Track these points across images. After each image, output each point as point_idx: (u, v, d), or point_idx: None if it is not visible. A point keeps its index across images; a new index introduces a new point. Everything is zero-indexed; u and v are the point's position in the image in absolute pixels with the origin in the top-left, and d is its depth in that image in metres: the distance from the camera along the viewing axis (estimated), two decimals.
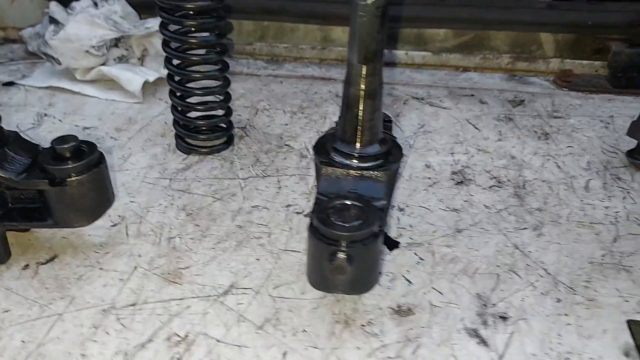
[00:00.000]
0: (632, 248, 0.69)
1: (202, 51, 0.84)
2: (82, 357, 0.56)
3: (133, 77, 1.03)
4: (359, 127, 0.59)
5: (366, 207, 0.54)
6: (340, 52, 1.23)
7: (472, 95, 1.06)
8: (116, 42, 1.07)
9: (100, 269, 0.66)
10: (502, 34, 1.19)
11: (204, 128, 0.88)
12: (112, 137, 0.93)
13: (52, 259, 0.67)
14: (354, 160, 0.59)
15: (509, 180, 0.82)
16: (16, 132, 0.65)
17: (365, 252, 0.53)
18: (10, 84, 1.11)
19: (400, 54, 1.21)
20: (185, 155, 0.88)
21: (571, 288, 0.63)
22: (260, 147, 0.91)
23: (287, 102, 1.04)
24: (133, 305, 0.61)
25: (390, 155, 0.62)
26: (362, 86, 0.57)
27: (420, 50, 1.21)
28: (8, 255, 0.66)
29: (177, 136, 0.89)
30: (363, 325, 0.59)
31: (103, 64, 1.07)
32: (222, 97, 0.88)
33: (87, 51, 1.03)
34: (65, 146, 0.61)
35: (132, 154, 0.88)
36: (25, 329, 0.58)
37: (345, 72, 0.59)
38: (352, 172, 0.58)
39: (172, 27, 0.81)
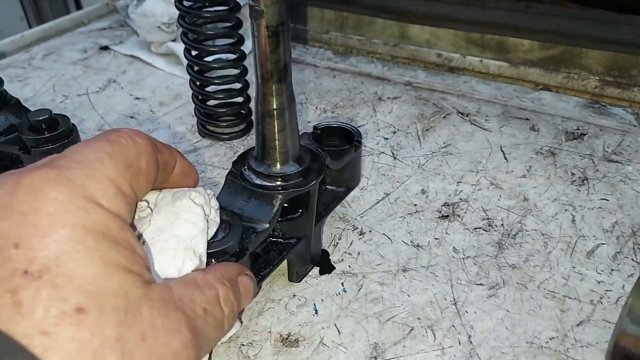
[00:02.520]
0: (595, 338, 0.57)
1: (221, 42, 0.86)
2: None
3: None
4: (262, 145, 0.57)
5: (234, 225, 0.53)
6: (412, 51, 1.16)
7: (527, 119, 0.94)
8: None
9: None
10: (597, 53, 1.01)
11: (216, 115, 0.91)
12: (151, 110, 1.00)
13: None
14: (255, 178, 0.57)
15: (501, 225, 0.72)
16: (17, 99, 0.74)
17: None
18: (105, 48, 1.25)
19: (474, 60, 1.11)
20: (200, 138, 0.92)
21: None
22: None
23: (325, 99, 1.02)
24: None
25: (303, 178, 0.58)
26: (262, 105, 0.55)
27: (498, 60, 1.09)
28: None
29: (197, 120, 0.94)
30: (243, 345, 0.58)
31: (173, 40, 1.15)
32: (238, 86, 0.89)
33: (159, 27, 1.12)
34: (39, 118, 0.68)
35: (157, 129, 0.95)
36: None
37: None
38: (248, 188, 0.57)
39: (190, 19, 0.84)
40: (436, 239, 0.71)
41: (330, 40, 1.25)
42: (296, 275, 0.64)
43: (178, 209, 0.46)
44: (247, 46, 0.81)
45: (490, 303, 0.62)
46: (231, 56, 0.87)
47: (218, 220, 0.51)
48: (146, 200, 0.46)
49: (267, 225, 0.54)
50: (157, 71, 1.14)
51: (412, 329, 0.59)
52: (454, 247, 0.69)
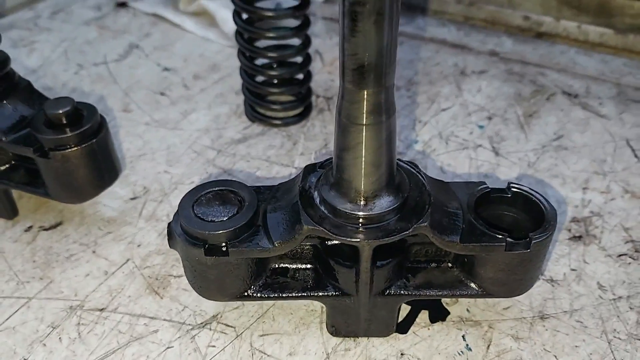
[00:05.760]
0: None
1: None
2: None
3: (229, 17, 0.90)
4: (339, 171, 0.41)
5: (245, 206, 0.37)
6: (492, 12, 0.97)
7: None
8: None
9: (93, 251, 0.58)
10: None
11: (270, 95, 0.74)
12: (184, 86, 0.83)
13: (55, 226, 0.61)
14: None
15: None
16: (29, 81, 0.57)
17: None
18: (123, 4, 1.06)
19: (570, 25, 0.92)
20: (249, 123, 0.75)
21: None
22: None
23: (397, 72, 0.84)
24: (101, 310, 0.52)
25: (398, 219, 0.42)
26: (343, 115, 0.39)
27: (600, 25, 0.91)
28: (15, 213, 0.61)
29: (245, 99, 0.76)
30: None
31: None
32: (300, 60, 0.72)
33: None
34: (58, 111, 0.52)
35: (195, 110, 0.78)
36: None
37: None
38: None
39: None
40: (573, 270, 0.55)
41: None
42: (333, 330, 0.49)
43: None
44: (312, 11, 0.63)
45: None
46: (293, 22, 0.69)
47: None
48: None
49: (272, 247, 0.43)
50: (187, 34, 0.95)
51: None
52: (598, 283, 0.53)
